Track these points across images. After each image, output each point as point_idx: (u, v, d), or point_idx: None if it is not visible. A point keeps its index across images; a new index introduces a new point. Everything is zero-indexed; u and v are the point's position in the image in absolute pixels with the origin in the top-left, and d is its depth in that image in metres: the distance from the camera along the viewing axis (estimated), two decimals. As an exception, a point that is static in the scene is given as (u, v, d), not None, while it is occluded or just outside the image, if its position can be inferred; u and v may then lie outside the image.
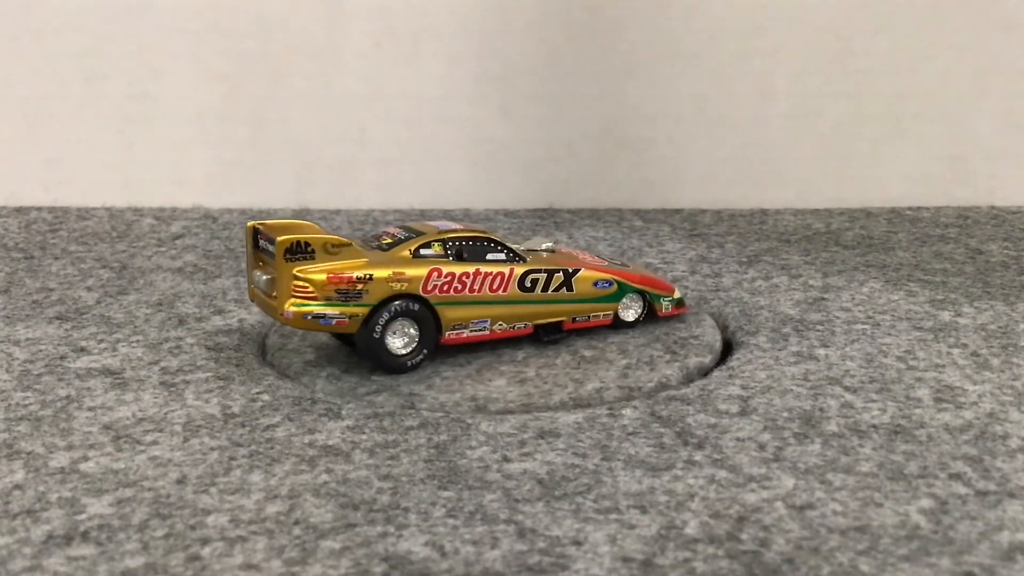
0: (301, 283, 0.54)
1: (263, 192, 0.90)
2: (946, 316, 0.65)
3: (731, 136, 0.89)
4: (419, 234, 0.58)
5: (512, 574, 0.40)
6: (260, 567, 0.41)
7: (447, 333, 0.58)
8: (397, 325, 0.56)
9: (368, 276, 0.55)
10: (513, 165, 0.90)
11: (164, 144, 0.90)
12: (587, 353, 0.60)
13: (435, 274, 0.56)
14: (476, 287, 0.58)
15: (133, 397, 0.55)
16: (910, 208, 0.88)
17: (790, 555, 0.41)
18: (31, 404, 0.54)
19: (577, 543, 0.42)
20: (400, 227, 0.60)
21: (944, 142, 0.89)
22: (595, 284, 0.62)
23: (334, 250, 0.55)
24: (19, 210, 0.89)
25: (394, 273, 0.55)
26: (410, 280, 0.56)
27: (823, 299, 0.68)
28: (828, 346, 0.61)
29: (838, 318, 0.65)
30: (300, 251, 0.55)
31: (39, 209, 0.89)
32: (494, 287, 0.58)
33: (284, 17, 0.88)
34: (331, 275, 0.54)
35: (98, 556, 0.41)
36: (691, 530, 0.43)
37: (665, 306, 0.64)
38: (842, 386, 0.56)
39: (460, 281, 0.57)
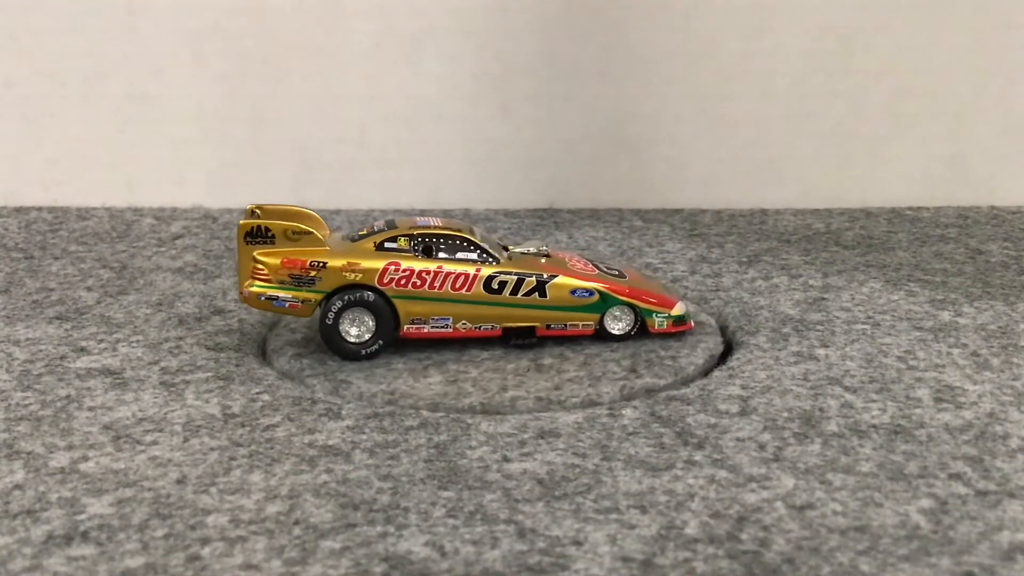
0: (259, 265, 0.58)
1: (263, 192, 0.90)
2: (946, 316, 0.65)
3: (731, 136, 0.89)
4: (394, 228, 0.59)
5: (512, 574, 0.40)
6: (260, 567, 0.41)
7: (406, 327, 0.59)
8: (354, 314, 0.58)
9: (321, 263, 0.57)
10: (513, 165, 0.90)
11: (164, 144, 0.90)
12: (547, 360, 0.59)
13: (392, 267, 0.58)
14: (437, 284, 0.58)
15: (133, 397, 0.55)
16: (910, 208, 0.88)
17: (790, 555, 0.41)
18: (31, 404, 0.54)
19: (577, 543, 0.42)
20: (385, 222, 0.61)
21: (944, 142, 0.89)
22: (572, 292, 0.60)
23: (295, 237, 0.58)
24: (19, 210, 0.89)
25: (348, 263, 0.58)
26: (365, 271, 0.58)
27: (823, 299, 0.68)
28: (828, 346, 0.61)
29: (838, 318, 0.65)
30: (260, 235, 0.58)
31: (39, 209, 0.89)
32: (457, 286, 0.58)
33: (284, 17, 0.88)
34: (285, 259, 0.58)
35: (98, 556, 0.41)
36: (691, 530, 0.43)
37: (659, 322, 0.61)
38: (842, 386, 0.56)
39: (420, 277, 0.58)
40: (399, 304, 0.58)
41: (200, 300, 0.69)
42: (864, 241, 0.80)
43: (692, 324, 0.62)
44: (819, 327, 0.63)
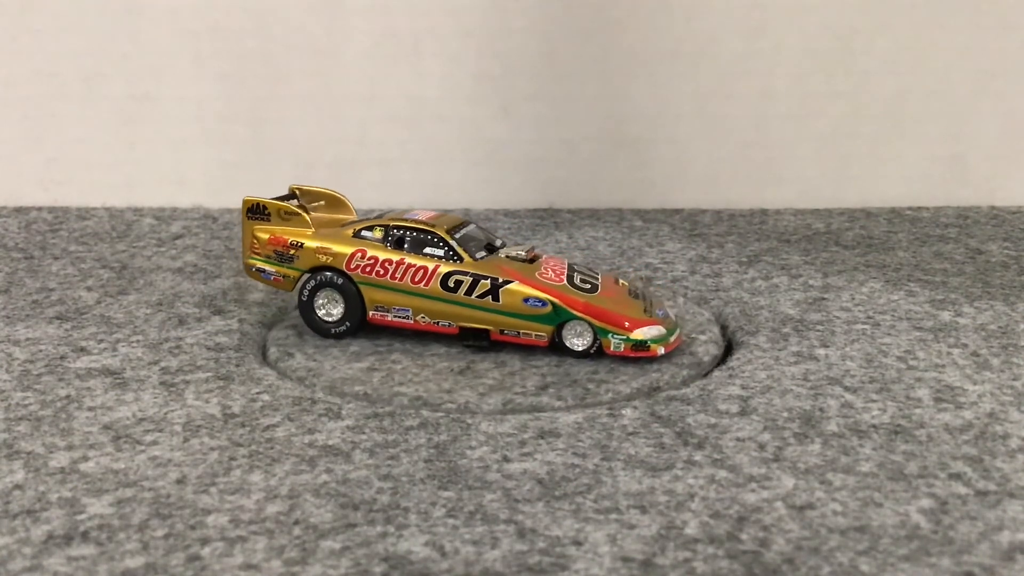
0: (255, 240, 0.63)
1: (263, 192, 0.90)
2: (946, 316, 0.65)
3: (731, 136, 0.89)
4: (379, 218, 0.62)
5: (512, 574, 0.40)
6: (260, 567, 0.41)
7: (371, 312, 0.61)
8: (327, 294, 0.62)
9: (299, 244, 0.62)
10: (513, 165, 0.90)
11: (164, 144, 0.90)
12: (482, 365, 0.59)
13: (359, 254, 0.61)
14: (398, 275, 0.60)
15: (133, 397, 0.55)
16: (910, 208, 0.88)
17: (790, 555, 0.41)
18: (31, 404, 0.54)
19: (577, 543, 0.42)
20: (382, 213, 0.64)
21: (944, 142, 0.89)
22: (524, 300, 0.59)
23: (286, 216, 0.63)
24: (19, 210, 0.89)
25: (321, 246, 0.61)
26: (335, 255, 0.61)
27: (823, 299, 0.68)
28: (828, 346, 0.61)
29: (838, 318, 0.65)
30: (259, 212, 0.63)
31: (39, 209, 0.89)
32: (416, 279, 0.60)
33: (284, 17, 0.88)
34: (272, 237, 0.63)
35: (98, 556, 0.41)
36: (691, 530, 0.43)
37: (615, 344, 0.58)
38: (842, 386, 0.56)
39: (383, 266, 0.60)
40: (364, 290, 0.61)
41: (200, 300, 0.69)
42: (864, 241, 0.80)
43: (660, 351, 0.58)
44: (819, 327, 0.63)
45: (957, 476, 0.47)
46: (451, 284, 0.59)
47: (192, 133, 0.90)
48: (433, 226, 0.61)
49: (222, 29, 0.88)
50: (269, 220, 0.63)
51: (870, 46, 0.87)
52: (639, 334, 0.58)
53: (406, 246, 0.61)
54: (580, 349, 0.59)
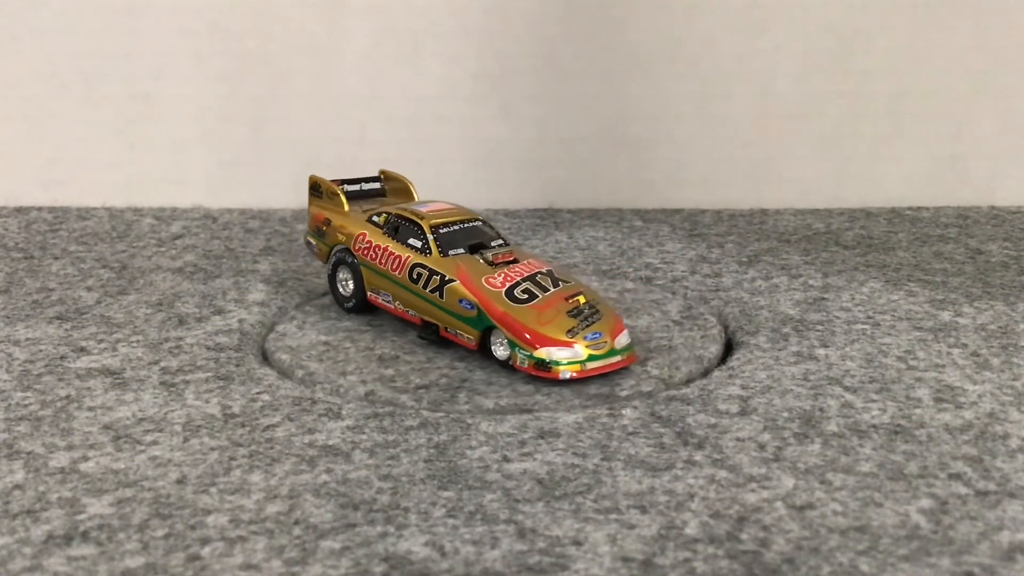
0: (308, 215, 0.69)
1: (263, 192, 0.90)
2: (946, 316, 0.65)
3: (731, 136, 0.89)
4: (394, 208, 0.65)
5: (512, 574, 0.40)
6: (260, 567, 0.41)
7: (368, 292, 0.64)
8: (343, 271, 0.66)
9: (328, 221, 0.67)
10: (513, 165, 0.90)
11: (164, 144, 0.90)
12: (410, 358, 0.59)
13: (362, 237, 0.64)
14: (383, 262, 0.63)
15: (133, 397, 0.55)
16: (910, 208, 0.88)
17: (790, 555, 0.41)
18: (31, 404, 0.54)
19: (577, 543, 0.42)
20: (423, 202, 0.66)
21: (944, 142, 0.89)
22: (459, 301, 0.58)
23: (331, 196, 0.68)
24: (19, 210, 0.89)
25: (341, 226, 0.66)
26: (348, 236, 0.65)
27: (823, 299, 0.68)
28: (828, 346, 0.61)
29: (838, 318, 0.65)
30: (316, 191, 0.69)
31: (39, 209, 0.89)
32: (393, 267, 0.62)
33: (284, 17, 0.88)
34: (316, 213, 0.68)
35: (98, 556, 0.41)
36: (691, 530, 0.43)
37: (521, 359, 0.55)
38: (842, 386, 0.56)
39: (375, 251, 0.63)
40: (363, 271, 0.64)
41: (200, 300, 0.69)
42: (864, 241, 0.80)
43: (565, 374, 0.55)
44: (819, 327, 0.63)
45: (957, 476, 0.47)
46: (415, 276, 0.61)
47: (192, 133, 0.90)
48: (422, 218, 0.62)
49: (222, 29, 0.88)
50: (321, 198, 0.68)
51: (870, 46, 0.87)
52: (542, 353, 0.55)
53: (397, 235, 0.62)
54: (502, 358, 0.57)
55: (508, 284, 0.58)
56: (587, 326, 0.57)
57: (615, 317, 0.58)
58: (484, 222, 0.63)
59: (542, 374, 0.55)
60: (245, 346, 0.62)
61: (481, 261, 0.60)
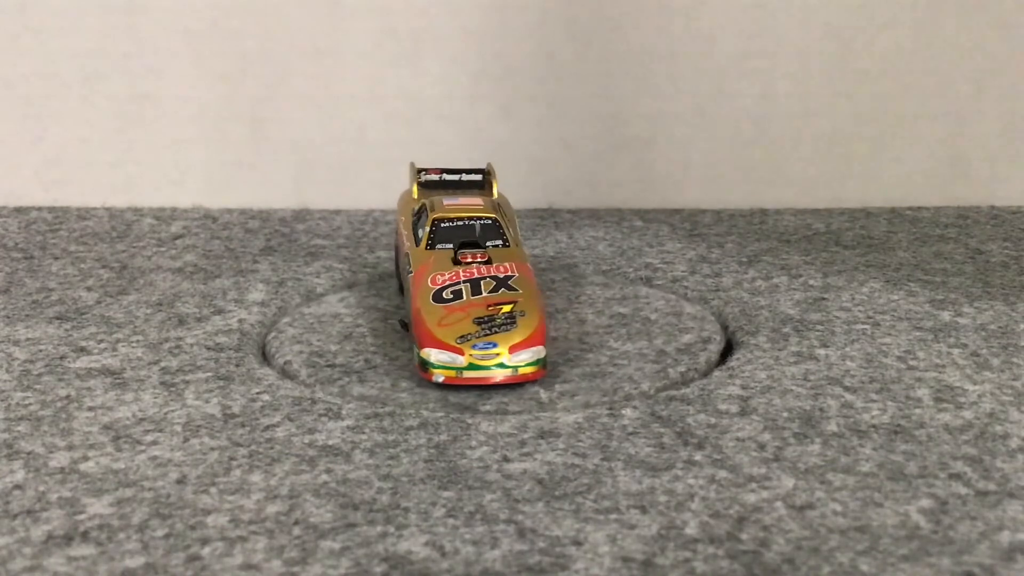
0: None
1: (263, 192, 0.90)
2: (946, 316, 0.65)
3: (731, 136, 0.89)
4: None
5: (512, 574, 0.40)
6: (260, 567, 0.41)
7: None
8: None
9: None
10: (513, 165, 0.90)
11: (164, 144, 0.90)
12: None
13: (400, 222, 0.66)
14: (399, 248, 0.65)
15: (133, 397, 0.55)
16: (910, 208, 0.88)
17: (790, 555, 0.41)
18: (31, 404, 0.54)
19: (577, 543, 0.42)
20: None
21: (944, 142, 0.89)
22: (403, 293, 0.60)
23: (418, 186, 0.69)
24: (19, 210, 0.89)
25: (401, 213, 0.68)
26: (401, 221, 0.67)
27: (823, 299, 0.68)
28: (828, 346, 0.61)
29: (838, 318, 0.65)
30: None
31: (39, 209, 0.89)
32: (399, 253, 0.65)
33: (284, 17, 0.88)
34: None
35: (98, 556, 0.41)
36: (691, 530, 0.43)
37: (414, 355, 0.56)
38: (842, 386, 0.56)
39: (398, 237, 0.66)
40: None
41: (200, 300, 0.69)
42: (864, 241, 0.80)
43: (436, 377, 0.55)
44: (819, 327, 0.63)
45: (957, 476, 0.47)
46: (402, 264, 0.63)
47: (192, 133, 0.90)
48: (433, 210, 0.62)
49: (222, 29, 0.88)
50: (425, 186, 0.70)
51: (870, 46, 0.87)
52: (425, 352, 0.55)
53: (417, 223, 0.63)
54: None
55: (447, 283, 0.58)
56: (485, 335, 0.55)
57: (534, 334, 0.56)
58: (495, 221, 0.61)
59: (423, 373, 0.55)
60: (245, 346, 0.62)
61: (449, 258, 0.59)
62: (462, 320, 0.56)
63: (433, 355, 0.55)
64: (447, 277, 0.58)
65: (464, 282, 0.58)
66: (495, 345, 0.55)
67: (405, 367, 0.58)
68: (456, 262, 0.59)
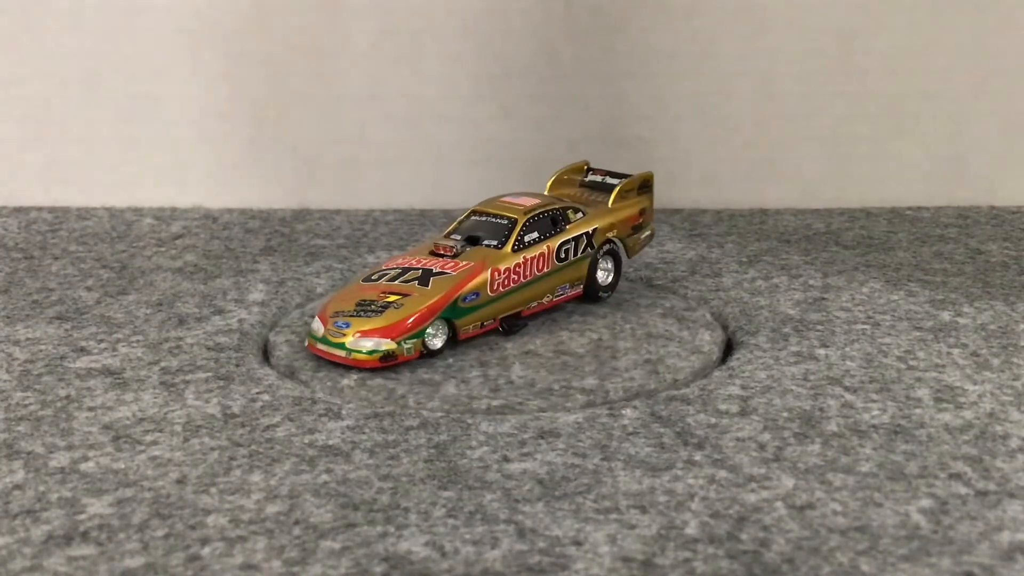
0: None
1: (263, 192, 0.90)
2: (946, 316, 0.65)
3: (731, 136, 0.89)
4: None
5: (512, 574, 0.40)
6: (260, 567, 0.41)
7: None
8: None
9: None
10: (513, 165, 0.90)
11: (164, 144, 0.90)
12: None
13: None
14: None
15: (133, 397, 0.55)
16: (910, 208, 0.88)
17: (790, 555, 0.41)
18: (31, 404, 0.54)
19: (577, 543, 0.42)
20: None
21: (944, 142, 0.89)
22: None
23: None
24: (19, 210, 0.89)
25: None
26: None
27: (823, 299, 0.68)
28: (828, 346, 0.61)
29: (838, 318, 0.65)
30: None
31: (39, 209, 0.89)
32: None
33: (284, 17, 0.88)
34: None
35: (98, 556, 0.41)
36: (691, 530, 0.43)
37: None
38: (842, 386, 0.56)
39: None
40: None
41: (200, 300, 0.69)
42: (864, 241, 0.80)
43: (306, 343, 0.59)
44: (819, 327, 0.63)
45: (957, 476, 0.47)
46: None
47: (192, 133, 0.90)
48: (481, 204, 0.64)
49: (222, 29, 0.88)
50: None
51: (870, 46, 0.87)
52: (312, 324, 0.59)
53: None
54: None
55: (395, 267, 0.61)
56: (349, 316, 0.58)
57: (389, 327, 0.57)
58: (511, 222, 0.63)
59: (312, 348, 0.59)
60: (245, 346, 0.62)
61: (429, 248, 0.63)
62: (350, 299, 0.59)
63: (313, 325, 0.59)
64: (400, 261, 0.61)
65: (405, 270, 0.60)
66: (347, 326, 0.57)
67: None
68: (432, 252, 0.62)
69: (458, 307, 0.59)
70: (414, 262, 0.61)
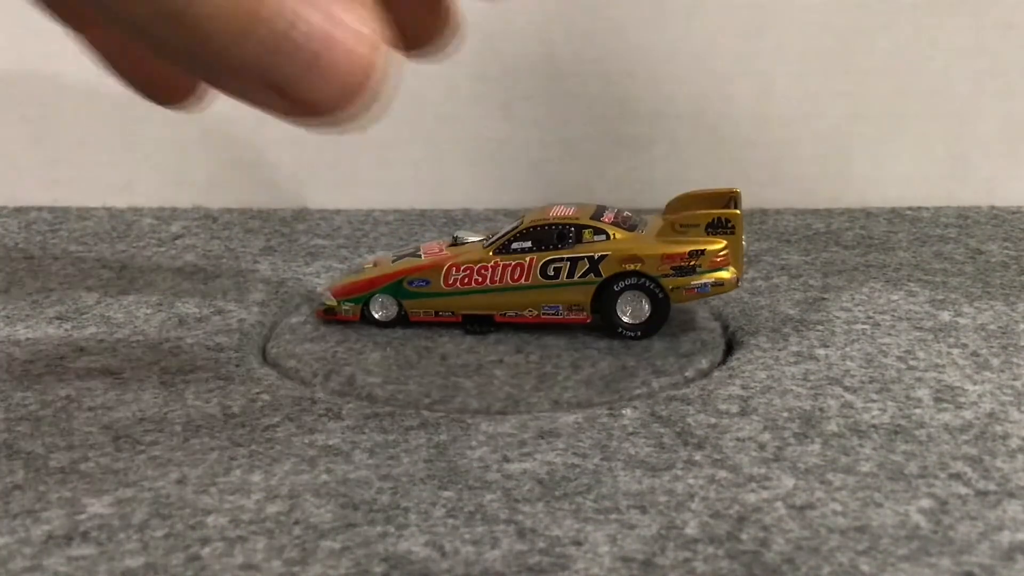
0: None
1: (263, 192, 0.90)
2: (946, 316, 0.65)
3: (731, 136, 0.89)
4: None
5: (512, 574, 0.40)
6: (260, 567, 0.41)
7: None
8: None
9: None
10: (513, 165, 0.90)
11: (164, 144, 0.90)
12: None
13: None
14: None
15: (133, 397, 0.55)
16: (910, 208, 0.88)
17: (790, 555, 0.41)
18: (31, 404, 0.54)
19: (577, 543, 0.42)
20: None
21: (944, 142, 0.89)
22: None
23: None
24: (19, 210, 0.89)
25: None
26: None
27: (823, 299, 0.68)
28: (828, 346, 0.61)
29: (838, 318, 0.65)
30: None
31: (39, 209, 0.89)
32: None
33: (284, 17, 0.88)
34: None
35: (98, 556, 0.41)
36: (691, 530, 0.43)
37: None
38: (842, 386, 0.56)
39: None
40: None
41: (200, 300, 0.69)
42: (864, 241, 0.80)
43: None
44: (819, 327, 0.63)
45: (957, 476, 0.47)
46: None
47: (192, 133, 0.90)
48: (533, 217, 0.63)
49: (222, 29, 0.88)
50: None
51: (870, 46, 0.87)
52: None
53: None
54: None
55: (414, 249, 0.66)
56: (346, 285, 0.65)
57: (344, 288, 0.64)
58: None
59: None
60: (245, 346, 0.62)
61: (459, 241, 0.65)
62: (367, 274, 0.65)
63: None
64: (430, 245, 0.66)
65: (415, 251, 0.65)
66: (326, 292, 0.66)
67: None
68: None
69: (403, 288, 0.62)
70: (436, 248, 0.65)
